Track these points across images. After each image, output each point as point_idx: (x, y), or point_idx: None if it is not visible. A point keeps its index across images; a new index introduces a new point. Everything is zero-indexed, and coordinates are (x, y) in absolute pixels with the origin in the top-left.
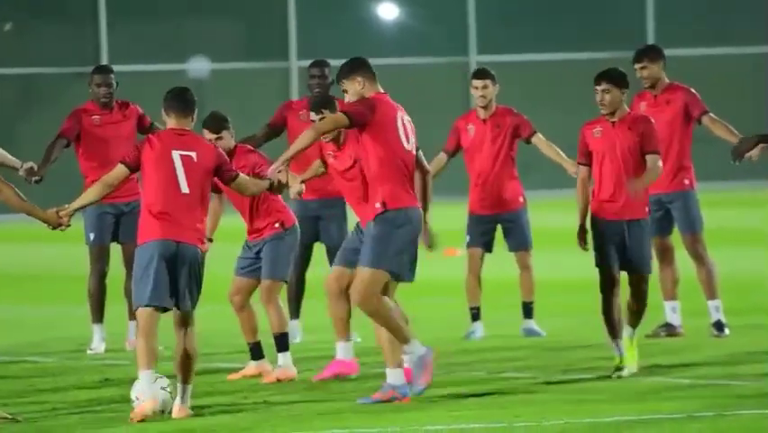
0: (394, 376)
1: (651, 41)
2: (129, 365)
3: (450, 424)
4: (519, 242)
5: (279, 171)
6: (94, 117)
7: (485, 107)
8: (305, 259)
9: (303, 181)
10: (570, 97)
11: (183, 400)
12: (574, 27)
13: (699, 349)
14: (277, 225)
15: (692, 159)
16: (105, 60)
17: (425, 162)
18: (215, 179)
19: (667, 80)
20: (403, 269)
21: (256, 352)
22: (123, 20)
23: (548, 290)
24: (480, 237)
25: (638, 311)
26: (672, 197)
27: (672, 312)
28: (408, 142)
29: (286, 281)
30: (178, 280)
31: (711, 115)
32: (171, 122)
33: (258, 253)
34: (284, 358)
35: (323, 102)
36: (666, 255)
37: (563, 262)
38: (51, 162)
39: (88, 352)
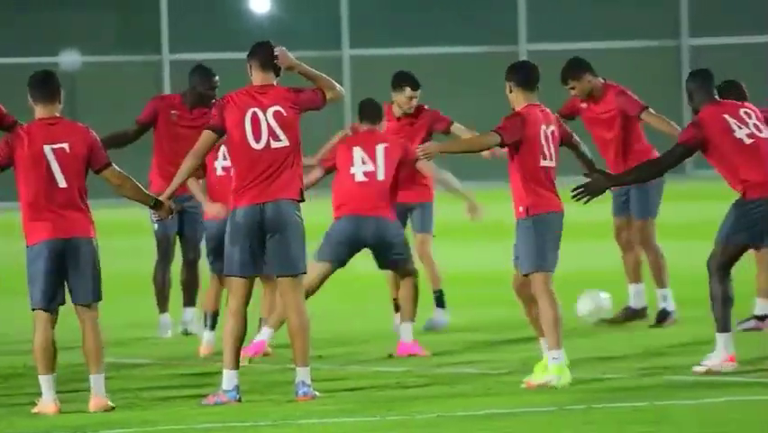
0: (226, 379)
1: (523, 36)
2: None
3: (322, 418)
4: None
5: (170, 199)
6: (173, 112)
7: (408, 112)
8: (170, 252)
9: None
10: (444, 91)
11: (98, 391)
12: (447, 21)
13: (575, 343)
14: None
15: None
16: None
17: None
18: None
19: (601, 83)
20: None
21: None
22: None
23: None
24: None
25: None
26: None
27: (636, 296)
28: (259, 140)
29: None
30: (71, 275)
31: (650, 110)
32: (39, 110)
33: None
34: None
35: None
36: (629, 239)
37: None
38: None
39: None
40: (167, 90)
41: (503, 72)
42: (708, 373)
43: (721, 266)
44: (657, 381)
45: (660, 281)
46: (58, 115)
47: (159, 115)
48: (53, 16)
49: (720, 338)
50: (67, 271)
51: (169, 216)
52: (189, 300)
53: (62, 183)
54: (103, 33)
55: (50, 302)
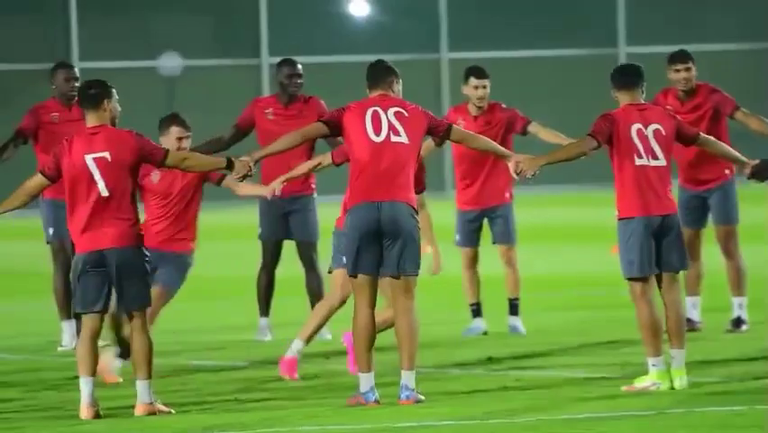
0: (362, 382)
1: (622, 36)
2: None
3: (421, 421)
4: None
5: (255, 162)
6: (53, 115)
7: (481, 106)
8: (274, 257)
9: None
10: (543, 94)
11: (146, 397)
12: (546, 24)
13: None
14: None
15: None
16: (75, 57)
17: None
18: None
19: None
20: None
21: None
22: (92, 16)
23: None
24: (470, 234)
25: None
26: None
27: (692, 308)
28: (379, 133)
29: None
30: None
31: (743, 110)
32: None
33: None
34: None
35: None
36: (693, 251)
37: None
38: (3, 160)
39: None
40: (265, 94)
41: (602, 75)
42: None
43: None
44: (756, 384)
45: (736, 290)
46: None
47: (256, 116)
48: (152, 20)
49: None
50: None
51: (249, 174)
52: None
53: None
54: (201, 37)
55: None
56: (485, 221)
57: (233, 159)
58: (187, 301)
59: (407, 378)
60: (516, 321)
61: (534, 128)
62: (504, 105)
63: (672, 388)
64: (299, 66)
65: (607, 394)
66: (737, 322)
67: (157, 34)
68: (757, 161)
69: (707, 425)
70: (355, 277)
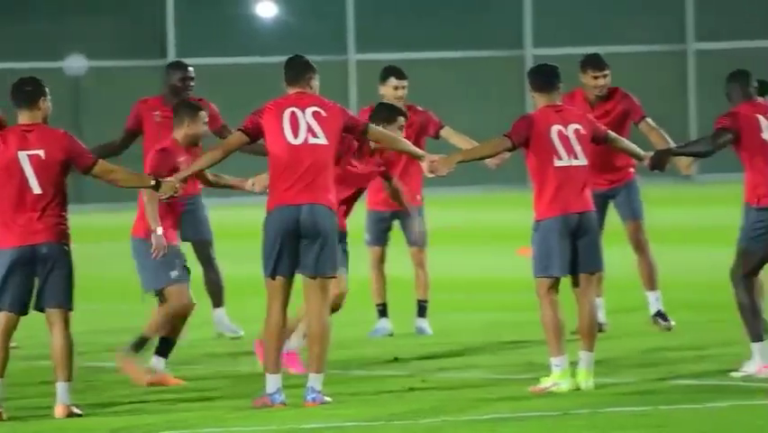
0: (269, 383)
1: (529, 38)
2: None
3: (326, 422)
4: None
5: (180, 182)
6: None
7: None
8: None
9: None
10: (450, 95)
11: (66, 398)
12: (453, 25)
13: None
14: None
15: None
16: None
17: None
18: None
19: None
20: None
21: None
22: None
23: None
24: (379, 234)
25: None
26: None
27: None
28: (297, 136)
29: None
30: None
31: (648, 120)
32: None
33: None
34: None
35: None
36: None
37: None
38: None
39: None
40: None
41: (509, 76)
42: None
43: (744, 277)
44: (660, 385)
45: (651, 284)
46: None
47: (143, 118)
48: (58, 21)
49: (754, 347)
50: None
51: (176, 193)
52: (217, 302)
53: None
54: (107, 38)
55: None
56: (395, 223)
57: (160, 180)
58: (97, 302)
59: (315, 380)
60: (423, 323)
61: (446, 133)
62: (419, 108)
63: (577, 388)
64: (191, 69)
65: (511, 395)
66: (662, 315)
67: (62, 36)
68: (651, 153)
69: (611, 426)
70: (273, 279)
